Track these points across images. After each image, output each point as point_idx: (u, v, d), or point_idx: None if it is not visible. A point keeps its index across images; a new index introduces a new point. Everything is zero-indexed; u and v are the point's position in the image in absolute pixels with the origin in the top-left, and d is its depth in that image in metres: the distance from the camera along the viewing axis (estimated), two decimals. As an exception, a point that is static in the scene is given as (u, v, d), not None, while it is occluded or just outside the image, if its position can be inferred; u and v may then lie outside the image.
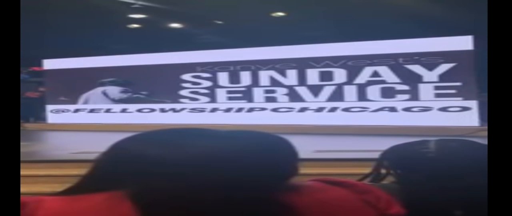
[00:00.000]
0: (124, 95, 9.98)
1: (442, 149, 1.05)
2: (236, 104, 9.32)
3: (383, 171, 1.09)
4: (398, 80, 8.34)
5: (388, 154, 1.10)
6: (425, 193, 0.97)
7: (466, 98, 7.90)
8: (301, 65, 8.93)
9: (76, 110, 10.29)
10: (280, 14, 11.12)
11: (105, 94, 10.06)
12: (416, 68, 8.26)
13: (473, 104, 7.83)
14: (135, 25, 11.74)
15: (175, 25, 11.90)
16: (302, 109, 8.89)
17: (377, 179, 1.10)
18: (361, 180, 1.04)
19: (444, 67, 8.10)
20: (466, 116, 7.82)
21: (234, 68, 9.33)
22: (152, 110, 9.82)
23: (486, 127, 6.74)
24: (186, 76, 9.60)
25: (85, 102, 10.24)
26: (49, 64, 10.47)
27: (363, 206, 0.82)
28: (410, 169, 1.03)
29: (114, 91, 10.03)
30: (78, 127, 9.57)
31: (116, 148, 0.81)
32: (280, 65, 9.07)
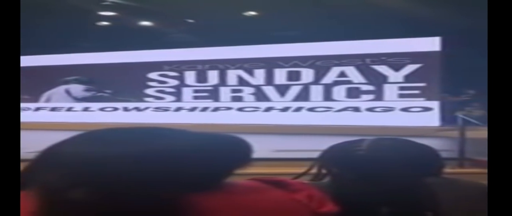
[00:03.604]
0: (88, 94, 9.91)
1: (373, 148, 1.05)
2: (201, 103, 9.29)
3: (323, 170, 1.09)
4: (364, 81, 8.38)
5: (325, 154, 1.10)
6: (354, 191, 0.96)
7: (429, 98, 7.98)
8: (270, 64, 8.95)
9: (37, 109, 10.14)
10: (252, 13, 11.06)
11: (68, 92, 9.95)
12: (383, 69, 8.31)
13: (435, 104, 7.89)
14: (105, 23, 11.59)
15: (145, 23, 11.78)
16: (268, 109, 8.90)
17: (318, 178, 1.09)
18: (297, 178, 1.03)
19: (410, 68, 8.15)
20: (427, 117, 7.88)
21: (202, 67, 9.29)
22: (115, 108, 9.74)
23: (447, 128, 6.77)
24: (153, 75, 9.54)
25: (47, 101, 10.13)
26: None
27: (294, 205, 0.80)
28: (343, 168, 1.04)
29: (77, 89, 9.96)
30: (39, 126, 9.39)
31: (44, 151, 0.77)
32: (249, 65, 9.05)
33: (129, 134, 0.78)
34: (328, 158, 1.08)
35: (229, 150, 0.81)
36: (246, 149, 0.82)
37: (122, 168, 0.70)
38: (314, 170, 1.10)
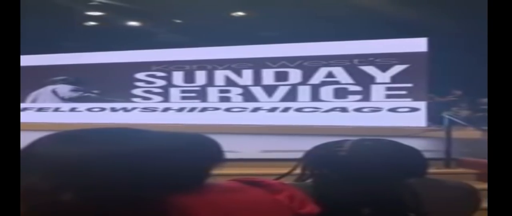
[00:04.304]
0: (75, 94, 9.82)
1: (355, 148, 1.03)
2: (188, 104, 9.24)
3: (306, 171, 1.07)
4: (351, 81, 8.39)
5: (308, 154, 1.09)
6: (336, 191, 0.95)
7: (416, 99, 8.01)
8: (258, 65, 8.92)
9: (23, 109, 9.99)
10: (240, 13, 11.03)
11: (55, 92, 9.85)
12: (370, 69, 8.33)
13: (422, 105, 7.93)
14: (92, 23, 11.48)
15: (132, 23, 11.69)
16: (255, 109, 8.89)
17: (302, 178, 1.06)
18: (280, 179, 1.00)
19: (397, 69, 8.18)
20: (414, 117, 7.92)
21: (190, 68, 9.24)
22: (103, 109, 9.66)
23: (433, 128, 6.81)
24: (140, 75, 9.47)
25: (34, 101, 9.99)
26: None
27: (275, 205, 0.80)
28: (325, 169, 1.02)
29: (64, 89, 9.85)
30: (24, 127, 9.28)
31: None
32: (237, 65, 9.03)
33: (96, 135, 0.77)
34: (311, 158, 1.07)
35: (196, 150, 0.79)
36: (214, 148, 0.80)
37: (91, 169, 0.69)
38: (297, 171, 1.09)
